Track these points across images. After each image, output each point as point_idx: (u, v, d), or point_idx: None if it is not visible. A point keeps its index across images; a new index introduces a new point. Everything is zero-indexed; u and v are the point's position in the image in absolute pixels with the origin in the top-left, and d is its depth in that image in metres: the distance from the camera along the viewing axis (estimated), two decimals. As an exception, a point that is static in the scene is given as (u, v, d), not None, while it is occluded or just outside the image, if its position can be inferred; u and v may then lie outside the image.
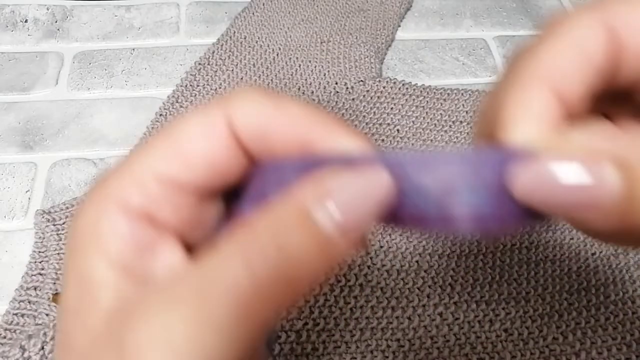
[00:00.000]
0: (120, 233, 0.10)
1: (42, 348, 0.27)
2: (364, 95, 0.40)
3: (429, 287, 0.30)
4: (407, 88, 0.40)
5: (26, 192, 0.34)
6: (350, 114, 0.38)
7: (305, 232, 0.08)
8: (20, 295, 0.29)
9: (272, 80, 0.40)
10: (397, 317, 0.28)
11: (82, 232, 0.10)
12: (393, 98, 0.39)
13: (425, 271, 0.30)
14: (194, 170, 0.10)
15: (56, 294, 0.29)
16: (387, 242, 0.31)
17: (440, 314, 0.29)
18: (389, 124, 0.38)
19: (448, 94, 0.39)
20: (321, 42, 0.43)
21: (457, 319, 0.29)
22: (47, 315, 0.28)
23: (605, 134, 0.09)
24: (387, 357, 0.27)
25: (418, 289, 0.30)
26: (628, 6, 0.10)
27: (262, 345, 0.12)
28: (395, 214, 0.09)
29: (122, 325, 0.08)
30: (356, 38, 0.43)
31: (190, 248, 0.10)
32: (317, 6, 0.46)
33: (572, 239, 0.33)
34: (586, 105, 0.10)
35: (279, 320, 0.27)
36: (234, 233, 0.09)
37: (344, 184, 0.09)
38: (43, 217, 0.32)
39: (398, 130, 0.37)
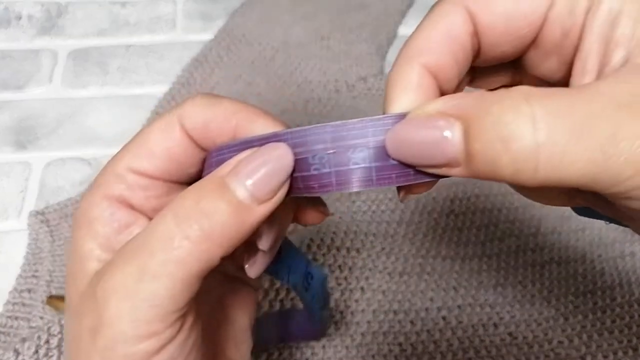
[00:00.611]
0: (103, 216, 0.13)
1: (36, 351, 0.26)
2: (365, 93, 0.39)
3: (432, 290, 0.29)
4: (408, 86, 0.40)
5: (20, 192, 0.34)
6: (351, 112, 0.38)
7: (222, 198, 0.11)
8: (13, 298, 0.29)
9: (271, 77, 0.39)
10: (399, 321, 0.28)
11: (79, 217, 0.13)
12: (394, 96, 0.39)
13: (428, 274, 0.30)
14: (157, 162, 0.13)
15: (50, 296, 0.28)
16: (389, 244, 0.31)
17: (444, 318, 0.28)
18: (390, 123, 0.37)
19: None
20: (321, 39, 0.42)
21: (460, 322, 0.28)
22: (41, 318, 0.28)
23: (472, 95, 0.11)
24: (389, 361, 0.27)
25: (421, 292, 0.29)
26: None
27: (246, 329, 0.15)
28: (307, 182, 0.12)
29: (96, 282, 0.12)
30: (357, 35, 0.42)
31: None
32: (318, 2, 0.45)
33: (577, 240, 0.32)
34: (462, 73, 0.13)
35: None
36: (172, 202, 0.12)
37: (252, 158, 0.11)
38: (37, 217, 0.31)
39: (400, 129, 0.37)
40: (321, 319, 0.19)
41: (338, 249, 0.30)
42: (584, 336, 0.28)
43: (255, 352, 0.26)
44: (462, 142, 0.10)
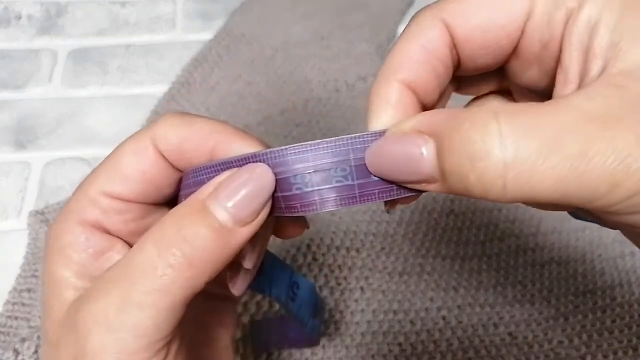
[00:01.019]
0: (78, 243, 0.12)
1: (36, 352, 0.26)
2: (365, 93, 0.39)
3: (432, 290, 0.29)
4: (409, 85, 0.40)
5: (20, 192, 0.34)
6: (351, 112, 0.38)
7: (203, 223, 0.11)
8: (13, 298, 0.29)
9: (270, 77, 0.39)
10: (399, 321, 0.28)
11: (51, 244, 0.13)
12: (395, 96, 0.39)
13: (428, 274, 0.30)
14: (131, 184, 0.13)
15: (50, 297, 0.28)
16: (389, 244, 0.31)
17: (444, 318, 0.28)
18: (390, 123, 0.37)
19: (451, 91, 0.39)
20: (321, 39, 0.42)
21: (461, 322, 0.28)
22: (40, 318, 0.28)
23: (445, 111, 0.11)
24: (389, 362, 0.27)
25: (421, 292, 0.29)
26: (457, 3, 0.12)
27: (229, 347, 0.15)
28: (289, 202, 0.11)
29: (76, 312, 0.11)
30: (357, 34, 0.42)
31: None
32: (318, 2, 0.45)
33: (577, 240, 0.32)
34: (443, 85, 0.13)
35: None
36: (151, 229, 0.11)
37: (233, 179, 0.11)
38: (37, 217, 0.31)
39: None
40: (313, 327, 0.19)
41: (338, 249, 0.30)
42: (584, 336, 0.28)
43: (256, 353, 0.26)
44: (435, 160, 0.10)
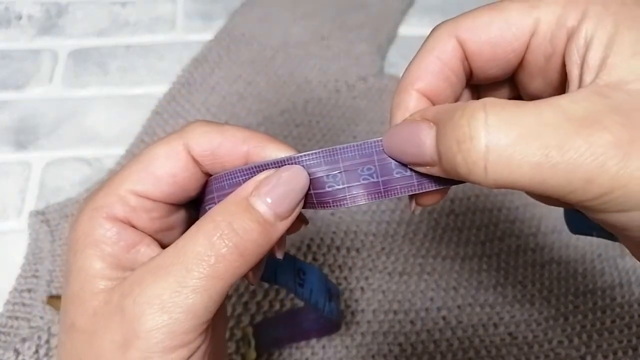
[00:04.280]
0: (109, 236, 0.13)
1: (37, 351, 0.26)
2: (365, 93, 0.39)
3: (432, 290, 0.29)
4: (409, 85, 0.40)
5: (20, 192, 0.34)
6: (351, 112, 0.38)
7: (248, 216, 0.12)
8: (14, 298, 0.29)
9: (271, 77, 0.39)
10: (399, 321, 0.28)
11: (81, 238, 0.13)
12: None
13: (428, 274, 0.30)
14: (161, 186, 0.14)
15: (51, 296, 0.28)
16: (389, 244, 0.31)
17: (444, 318, 0.28)
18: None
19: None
20: (321, 39, 0.42)
21: (460, 322, 0.28)
22: (41, 318, 0.28)
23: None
24: (389, 361, 0.27)
25: (421, 292, 0.29)
26: (469, 20, 0.13)
27: (224, 339, 0.16)
28: (320, 198, 0.13)
29: (122, 297, 0.12)
30: (357, 34, 0.42)
31: (165, 247, 0.14)
32: (318, 2, 0.45)
33: (577, 240, 0.32)
34: (457, 93, 0.14)
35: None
36: (199, 221, 0.13)
37: (272, 178, 0.12)
38: (37, 217, 0.31)
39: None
40: (331, 311, 0.19)
41: (338, 249, 0.30)
42: (584, 336, 0.28)
43: (266, 352, 0.26)
44: (434, 144, 0.11)
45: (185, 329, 0.12)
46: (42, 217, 0.32)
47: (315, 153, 0.13)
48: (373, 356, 0.27)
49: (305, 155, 0.13)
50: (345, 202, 0.13)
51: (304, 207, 0.13)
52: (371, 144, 0.13)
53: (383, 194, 0.13)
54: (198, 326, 0.12)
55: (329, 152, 0.13)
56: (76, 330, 0.12)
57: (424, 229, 0.32)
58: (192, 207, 0.15)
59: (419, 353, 0.27)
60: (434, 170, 0.12)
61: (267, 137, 0.14)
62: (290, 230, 0.15)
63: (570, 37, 0.12)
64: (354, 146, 0.13)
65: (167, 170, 0.13)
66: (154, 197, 0.14)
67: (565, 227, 0.33)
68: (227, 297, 0.28)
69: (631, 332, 0.28)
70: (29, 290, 0.29)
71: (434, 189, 0.13)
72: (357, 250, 0.30)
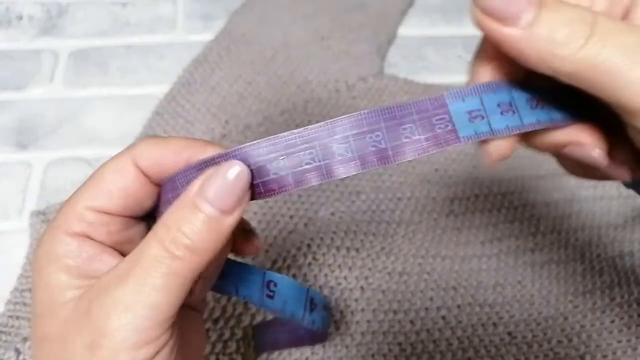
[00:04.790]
0: (71, 250, 0.14)
1: (38, 351, 0.26)
2: (365, 93, 0.39)
3: (432, 289, 0.29)
4: (409, 86, 0.40)
5: (21, 192, 0.34)
6: (351, 112, 0.38)
7: (195, 218, 0.13)
8: (15, 298, 0.29)
9: (271, 77, 0.39)
10: (399, 321, 0.28)
11: (44, 256, 0.14)
12: (395, 96, 0.39)
13: (427, 274, 0.30)
14: (114, 199, 0.14)
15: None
16: (388, 244, 0.31)
17: (444, 317, 0.28)
18: (390, 123, 0.37)
19: (450, 91, 0.39)
20: (321, 39, 0.42)
21: (460, 322, 0.28)
22: (32, 327, 0.28)
23: None
24: (389, 361, 0.27)
25: (421, 291, 0.29)
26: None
27: (200, 350, 0.17)
28: (267, 186, 0.13)
29: (89, 303, 0.13)
30: (357, 34, 0.42)
31: None
32: (317, 2, 0.45)
33: (576, 240, 0.32)
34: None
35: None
36: (154, 226, 0.13)
37: (213, 176, 0.13)
38: (38, 217, 0.32)
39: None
40: (313, 322, 0.19)
41: (338, 249, 0.30)
42: (583, 336, 0.28)
43: (258, 353, 0.26)
44: (537, 6, 0.12)
45: (149, 325, 0.12)
46: (43, 217, 0.32)
47: (253, 144, 0.13)
48: (373, 355, 0.27)
49: (242, 147, 0.13)
50: (289, 186, 0.13)
51: (253, 198, 0.13)
52: (312, 130, 0.13)
53: (325, 176, 0.13)
54: (162, 322, 0.12)
55: (266, 142, 0.13)
56: (48, 340, 0.13)
57: (424, 229, 0.32)
58: (153, 220, 0.16)
59: (419, 352, 0.27)
60: (510, 31, 0.12)
61: (206, 142, 0.15)
62: (246, 252, 0.16)
63: None
64: (294, 133, 0.13)
65: (118, 184, 0.14)
66: (109, 210, 0.14)
67: (564, 227, 0.33)
68: (228, 297, 0.28)
69: (630, 332, 0.28)
70: (30, 290, 0.29)
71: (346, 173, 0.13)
72: (357, 250, 0.30)
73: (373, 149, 0.13)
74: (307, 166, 0.13)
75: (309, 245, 0.30)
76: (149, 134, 0.36)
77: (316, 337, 0.26)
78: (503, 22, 0.12)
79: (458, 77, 0.41)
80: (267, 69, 0.40)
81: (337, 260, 0.30)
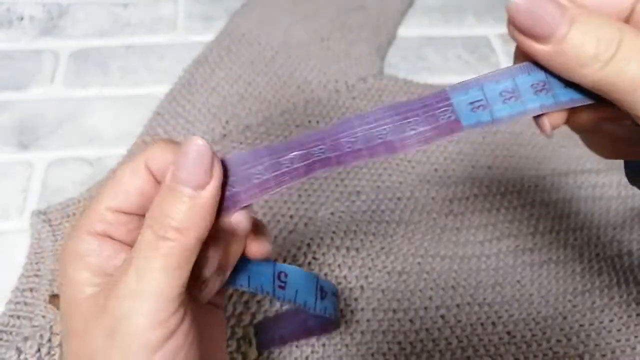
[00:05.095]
0: (92, 249, 0.15)
1: (39, 350, 0.26)
2: (364, 94, 0.39)
3: (431, 289, 0.29)
4: (409, 86, 0.40)
5: (22, 192, 0.34)
6: (351, 112, 0.38)
7: (174, 201, 0.14)
8: (16, 297, 0.29)
9: (271, 78, 0.40)
10: (398, 320, 0.28)
11: (69, 254, 0.15)
12: (395, 96, 0.39)
13: (427, 273, 0.30)
14: (132, 199, 0.15)
15: (52, 295, 0.29)
16: (388, 243, 0.31)
17: (443, 317, 0.28)
18: (390, 123, 0.37)
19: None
20: (321, 40, 0.42)
21: (459, 321, 0.28)
22: (43, 317, 0.28)
23: None
24: (389, 360, 0.27)
25: (420, 291, 0.29)
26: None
27: (221, 345, 0.18)
28: (263, 188, 0.14)
29: (104, 298, 0.14)
30: (357, 35, 0.43)
31: None
32: (317, 3, 0.45)
33: (575, 239, 0.32)
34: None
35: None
36: (144, 220, 0.14)
37: (177, 159, 0.14)
38: (39, 217, 0.32)
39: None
40: (324, 309, 0.19)
41: (338, 249, 0.30)
42: (582, 335, 0.28)
43: (260, 351, 0.26)
44: (567, 25, 0.13)
45: (155, 307, 0.13)
46: (44, 217, 0.32)
47: (233, 156, 0.15)
48: (372, 354, 0.27)
49: (225, 159, 0.15)
50: (259, 196, 0.14)
51: (223, 214, 0.14)
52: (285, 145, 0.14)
53: (287, 181, 0.14)
54: (168, 304, 0.13)
55: (242, 154, 0.14)
56: (72, 334, 0.14)
57: (423, 228, 0.32)
58: None
59: (418, 352, 0.27)
60: (541, 48, 0.13)
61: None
62: (256, 254, 0.17)
63: None
64: (263, 148, 0.15)
65: (134, 184, 0.15)
66: (127, 210, 0.15)
67: (563, 227, 0.33)
68: (229, 297, 0.28)
69: (629, 331, 0.28)
70: (31, 290, 0.29)
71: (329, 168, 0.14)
72: (357, 249, 0.30)
73: (380, 140, 0.14)
74: (286, 169, 0.14)
75: (309, 245, 0.30)
76: (150, 134, 0.36)
77: (327, 325, 0.26)
78: (534, 40, 0.13)
79: (457, 77, 0.42)
80: (267, 70, 0.40)
81: (337, 260, 0.30)
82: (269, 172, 0.14)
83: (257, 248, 0.17)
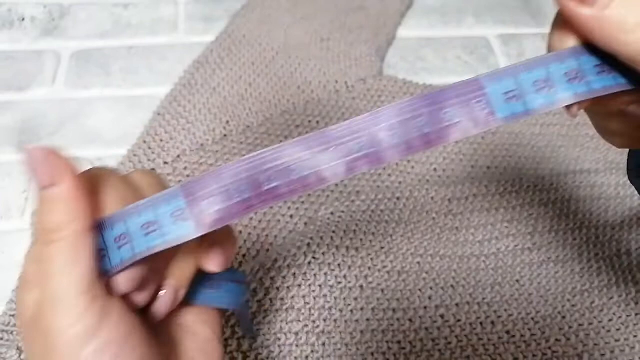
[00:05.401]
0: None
1: (40, 350, 0.26)
2: (364, 94, 0.39)
3: (431, 288, 0.29)
4: (408, 87, 0.40)
5: (23, 192, 0.34)
6: (350, 113, 0.38)
7: (42, 205, 0.14)
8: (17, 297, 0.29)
9: (271, 78, 0.40)
10: (398, 319, 0.28)
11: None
12: (394, 97, 0.39)
13: (426, 272, 0.30)
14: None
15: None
16: (387, 243, 0.31)
17: (442, 316, 0.28)
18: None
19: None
20: (321, 40, 0.42)
21: (458, 320, 0.28)
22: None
23: None
24: (388, 359, 0.27)
25: (419, 290, 0.29)
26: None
27: (212, 340, 0.17)
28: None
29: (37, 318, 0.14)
30: (357, 36, 0.43)
31: None
32: (317, 4, 0.45)
33: (574, 239, 0.32)
34: None
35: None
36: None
37: (28, 170, 0.14)
38: (40, 217, 0.32)
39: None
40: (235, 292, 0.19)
41: (337, 248, 0.30)
42: (581, 335, 0.28)
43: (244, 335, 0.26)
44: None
45: (67, 305, 0.13)
46: (45, 217, 0.32)
47: (197, 178, 0.14)
48: (372, 354, 0.27)
49: (188, 183, 0.14)
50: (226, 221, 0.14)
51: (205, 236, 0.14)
52: (362, 119, 0.14)
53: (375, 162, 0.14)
54: (78, 298, 0.13)
55: (212, 173, 0.14)
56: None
57: (422, 228, 0.32)
58: None
59: (418, 351, 0.27)
60: (584, 11, 0.13)
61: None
62: (212, 267, 0.16)
63: None
64: (343, 125, 0.14)
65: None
66: None
67: (562, 227, 0.33)
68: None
69: (628, 331, 0.29)
70: (32, 289, 0.29)
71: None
72: (357, 249, 0.30)
73: (417, 134, 0.13)
74: (356, 154, 0.13)
75: (309, 245, 0.30)
76: (151, 135, 0.36)
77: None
78: (580, 1, 0.13)
79: (457, 78, 0.42)
80: (268, 70, 0.40)
81: (336, 260, 0.30)
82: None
83: (211, 262, 0.16)
